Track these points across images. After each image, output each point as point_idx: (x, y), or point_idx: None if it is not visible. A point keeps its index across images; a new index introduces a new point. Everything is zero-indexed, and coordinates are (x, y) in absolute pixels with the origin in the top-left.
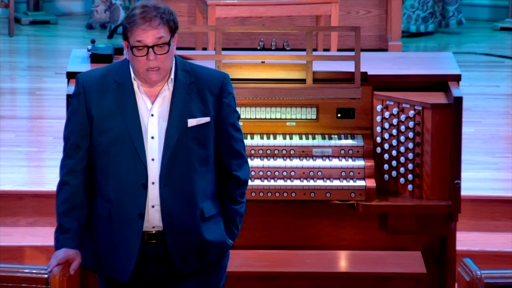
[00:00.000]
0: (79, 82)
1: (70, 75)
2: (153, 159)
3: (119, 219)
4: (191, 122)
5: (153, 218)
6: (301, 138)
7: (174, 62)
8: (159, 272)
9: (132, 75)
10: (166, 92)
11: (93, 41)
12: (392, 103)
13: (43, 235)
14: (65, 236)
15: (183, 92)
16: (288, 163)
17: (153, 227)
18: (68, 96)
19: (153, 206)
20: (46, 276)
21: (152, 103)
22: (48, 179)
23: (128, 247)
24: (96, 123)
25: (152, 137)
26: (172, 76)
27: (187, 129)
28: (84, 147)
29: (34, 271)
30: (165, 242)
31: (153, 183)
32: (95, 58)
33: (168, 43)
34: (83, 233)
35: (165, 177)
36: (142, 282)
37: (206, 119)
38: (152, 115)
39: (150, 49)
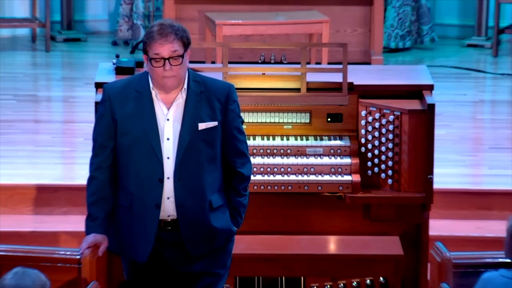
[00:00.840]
0: (105, 91)
1: (98, 85)
2: (168, 158)
3: (139, 209)
4: (201, 126)
5: (168, 208)
6: (296, 139)
7: (187, 73)
8: (173, 254)
9: (151, 85)
10: (180, 99)
11: (117, 56)
12: (374, 109)
13: (75, 222)
14: (94, 223)
15: (194, 100)
16: (285, 160)
17: (168, 216)
18: (96, 103)
19: (168, 198)
20: (78, 257)
21: (168, 109)
22: (79, 174)
23: (146, 233)
24: (119, 126)
25: (168, 139)
26: (185, 86)
27: (198, 132)
28: (109, 147)
29: (68, 253)
30: (178, 229)
31: (168, 178)
32: (119, 70)
33: (182, 56)
34: (109, 221)
35: (178, 173)
36: (158, 263)
37: (214, 123)
38: (168, 119)
39: (166, 61)
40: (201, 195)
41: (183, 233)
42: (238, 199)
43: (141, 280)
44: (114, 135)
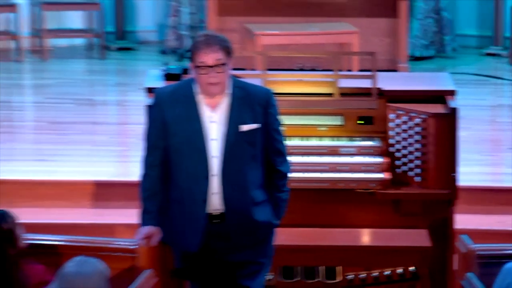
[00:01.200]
0: (156, 95)
1: (148, 90)
2: (214, 156)
3: (188, 203)
4: (244, 128)
5: (215, 202)
6: (330, 140)
7: (230, 80)
8: (220, 245)
9: (197, 90)
10: (224, 103)
11: (166, 63)
12: (402, 112)
13: (130, 215)
14: (148, 216)
15: (237, 104)
16: (321, 159)
17: (215, 210)
18: (147, 106)
19: (214, 193)
20: (134, 247)
21: (213, 112)
22: (133, 171)
23: (195, 225)
24: (170, 128)
25: (213, 139)
26: (229, 91)
27: (241, 133)
28: (160, 146)
29: (124, 243)
30: (225, 222)
31: (214, 175)
32: (167, 76)
33: (225, 64)
34: (161, 214)
35: (223, 170)
36: (206, 253)
37: (255, 126)
38: (213, 121)
39: (211, 69)
40: (245, 191)
41: (229, 226)
42: (278, 195)
43: (190, 268)
44: (165, 136)
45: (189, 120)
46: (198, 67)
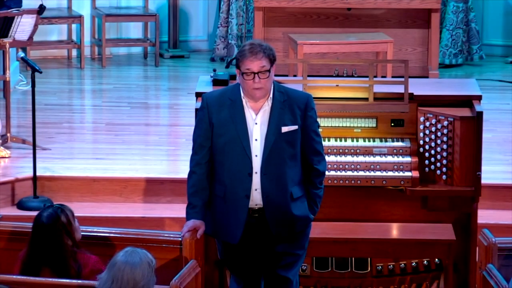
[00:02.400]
0: (204, 99)
1: (198, 94)
2: (256, 155)
3: (232, 198)
4: (284, 129)
5: (256, 198)
6: (364, 141)
7: (272, 85)
8: (260, 237)
9: (242, 94)
10: (266, 107)
11: (214, 70)
12: (431, 115)
13: (177, 209)
14: (193, 210)
15: (278, 107)
16: (355, 159)
17: (256, 205)
18: (196, 109)
19: (256, 189)
20: (180, 239)
21: (256, 115)
22: (181, 169)
23: (237, 219)
24: (216, 129)
25: (256, 139)
26: (271, 95)
27: (281, 134)
28: (207, 146)
29: (171, 236)
30: (264, 216)
31: (256, 172)
32: (215, 82)
33: (269, 70)
34: (206, 209)
35: (264, 168)
36: (247, 245)
37: (295, 127)
38: (256, 123)
39: (256, 75)
40: (284, 187)
41: (269, 219)
42: (315, 191)
43: (233, 259)
44: (211, 137)
45: (234, 122)
46: (244, 73)
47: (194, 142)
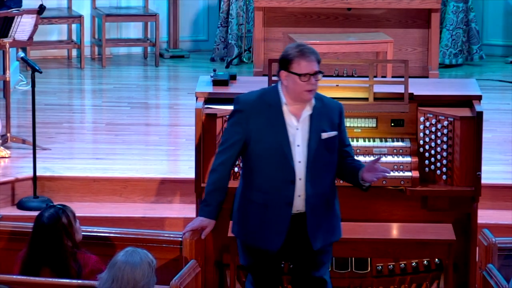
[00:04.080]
0: (241, 102)
1: (198, 94)
2: (299, 161)
3: (272, 205)
4: (323, 135)
5: (297, 204)
6: (364, 141)
7: None
8: (297, 241)
9: (283, 100)
10: (308, 112)
11: (214, 70)
12: (431, 115)
13: (177, 210)
14: (207, 208)
15: (317, 114)
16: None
17: (297, 210)
18: (197, 109)
19: (299, 196)
20: (180, 239)
21: (298, 121)
22: (181, 169)
23: (279, 226)
24: (253, 135)
25: (298, 145)
26: (313, 101)
27: (322, 140)
28: (236, 149)
29: (171, 236)
30: (302, 222)
31: (300, 178)
32: (215, 82)
33: (320, 72)
34: (221, 208)
35: (310, 174)
36: (284, 250)
37: (334, 133)
38: (298, 129)
39: (311, 77)
40: (324, 194)
41: (308, 226)
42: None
43: (262, 265)
44: (246, 142)
45: (275, 127)
46: (301, 75)
47: (224, 141)
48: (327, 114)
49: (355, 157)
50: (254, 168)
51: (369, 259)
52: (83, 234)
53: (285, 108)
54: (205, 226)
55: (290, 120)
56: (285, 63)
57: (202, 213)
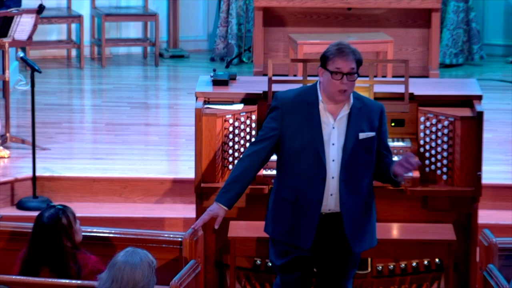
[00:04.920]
0: (278, 99)
1: (198, 94)
2: (333, 160)
3: (303, 202)
4: (361, 135)
5: (330, 203)
6: None
7: None
8: (332, 242)
9: (320, 97)
10: (345, 112)
11: (214, 70)
12: (432, 115)
13: (177, 210)
14: (225, 195)
15: (356, 114)
16: None
17: (329, 210)
18: (197, 109)
19: (331, 194)
20: (180, 239)
21: (334, 120)
22: (181, 169)
23: (309, 223)
24: (289, 132)
25: (333, 144)
26: (351, 101)
27: (359, 140)
28: (266, 142)
29: (171, 236)
30: (338, 220)
31: (332, 177)
32: (215, 82)
33: (356, 73)
34: (237, 199)
35: (343, 173)
36: (314, 250)
37: (372, 134)
38: (334, 127)
39: (345, 76)
40: (360, 194)
41: (346, 227)
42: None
43: (294, 265)
44: (280, 138)
45: (310, 125)
46: (333, 72)
47: (258, 136)
48: (366, 115)
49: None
50: (287, 166)
51: (369, 259)
52: (83, 234)
53: (321, 106)
54: (216, 215)
55: (327, 118)
56: (323, 60)
57: (219, 198)
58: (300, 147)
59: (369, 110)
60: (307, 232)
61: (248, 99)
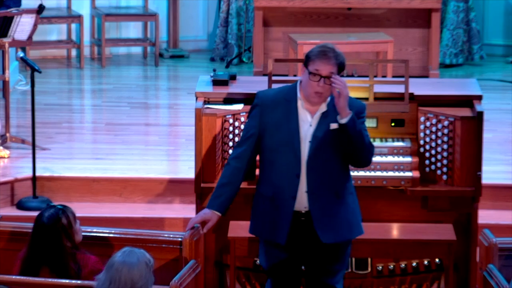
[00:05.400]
0: (259, 97)
1: (198, 94)
2: (307, 157)
3: (279, 199)
4: (332, 126)
5: (304, 200)
6: None
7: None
8: (306, 242)
9: (299, 95)
10: (323, 110)
11: (214, 70)
12: (432, 115)
13: (177, 210)
14: (215, 200)
15: (333, 111)
16: None
17: (304, 207)
18: (197, 109)
19: (305, 191)
20: (179, 239)
21: (312, 117)
22: (181, 169)
23: (284, 219)
24: (268, 129)
25: (310, 141)
26: (328, 99)
27: (330, 134)
28: (248, 143)
29: (171, 236)
30: (311, 219)
31: (306, 174)
32: (215, 82)
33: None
34: (230, 203)
35: (313, 170)
36: (294, 248)
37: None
38: (311, 125)
39: (322, 79)
40: (330, 187)
41: (315, 221)
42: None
43: (276, 262)
44: (260, 135)
45: (288, 122)
46: (311, 73)
47: (241, 136)
48: None
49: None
50: (266, 162)
51: (369, 259)
52: (83, 234)
53: (299, 104)
54: (208, 219)
55: (305, 116)
56: (306, 59)
57: (210, 204)
58: (277, 144)
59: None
60: (282, 227)
61: (248, 99)
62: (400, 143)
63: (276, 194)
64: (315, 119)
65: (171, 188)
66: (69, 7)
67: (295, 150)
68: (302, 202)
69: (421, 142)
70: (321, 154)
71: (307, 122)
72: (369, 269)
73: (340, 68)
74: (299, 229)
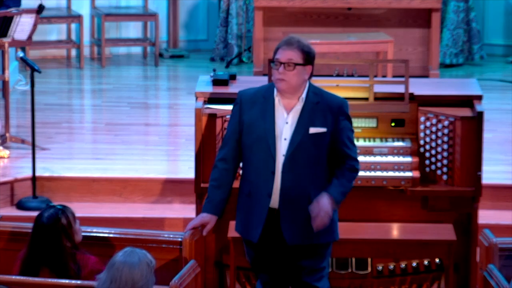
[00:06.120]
0: (239, 96)
1: (197, 94)
2: (283, 155)
3: (255, 196)
4: (311, 130)
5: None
6: (365, 141)
7: (307, 85)
8: (277, 241)
9: (275, 92)
10: (298, 106)
11: (214, 70)
12: (432, 115)
13: (177, 210)
14: (209, 204)
15: (309, 108)
16: None
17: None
18: (197, 109)
19: (279, 189)
20: (179, 239)
21: (288, 114)
22: (181, 169)
23: (258, 217)
24: (246, 127)
25: (285, 139)
26: (304, 95)
27: (309, 135)
28: (233, 142)
29: (171, 236)
30: (280, 217)
31: (281, 172)
32: (215, 82)
33: (296, 65)
34: (224, 205)
35: (287, 167)
36: (268, 247)
37: (323, 129)
38: (287, 122)
39: (282, 65)
40: (303, 189)
41: (282, 221)
42: (343, 179)
43: (255, 260)
44: (240, 133)
45: (264, 119)
46: (273, 62)
47: (224, 135)
48: (322, 110)
49: (354, 159)
50: (245, 160)
51: (369, 259)
52: (82, 235)
53: (276, 100)
54: (206, 222)
55: (281, 113)
56: (274, 52)
57: (204, 208)
58: (254, 141)
59: (326, 106)
60: (256, 226)
61: None
62: (400, 143)
63: (253, 191)
64: (291, 117)
65: (171, 188)
66: (69, 7)
67: (269, 147)
68: (277, 199)
69: (421, 142)
70: (298, 154)
71: (283, 120)
72: (369, 269)
73: (306, 57)
74: (273, 227)
